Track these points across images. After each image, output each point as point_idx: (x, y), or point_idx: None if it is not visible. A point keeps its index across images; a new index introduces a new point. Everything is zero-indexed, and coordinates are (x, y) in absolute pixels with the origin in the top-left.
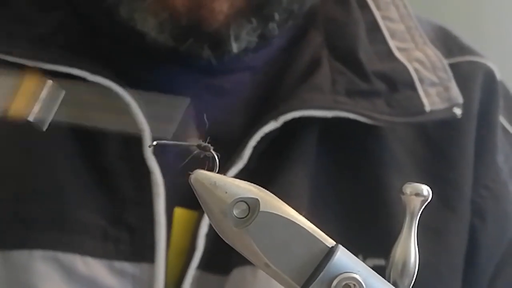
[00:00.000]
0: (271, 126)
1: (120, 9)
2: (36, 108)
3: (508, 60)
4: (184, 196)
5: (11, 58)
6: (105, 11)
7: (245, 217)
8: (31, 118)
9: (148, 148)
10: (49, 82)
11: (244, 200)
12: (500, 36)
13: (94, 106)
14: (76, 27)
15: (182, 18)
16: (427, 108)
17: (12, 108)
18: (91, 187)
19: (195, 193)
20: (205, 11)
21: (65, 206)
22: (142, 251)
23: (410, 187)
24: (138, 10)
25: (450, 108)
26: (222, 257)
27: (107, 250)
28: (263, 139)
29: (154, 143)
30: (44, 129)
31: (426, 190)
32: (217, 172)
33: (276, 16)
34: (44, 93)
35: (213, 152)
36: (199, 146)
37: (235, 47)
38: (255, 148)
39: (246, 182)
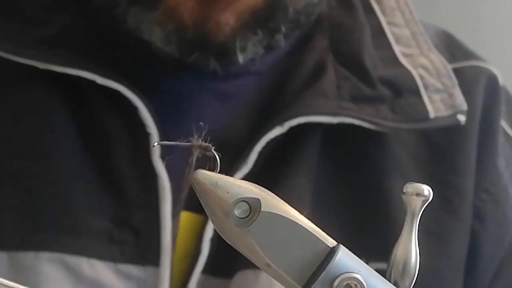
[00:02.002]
0: (276, 131)
1: (127, 19)
2: None
3: (508, 62)
4: (190, 200)
5: (22, 60)
6: (113, 20)
7: (247, 217)
8: None
9: (155, 152)
10: None
11: (245, 200)
12: (500, 38)
13: None
14: (85, 30)
15: (188, 30)
16: (431, 114)
17: None
18: (98, 190)
19: (197, 193)
20: (212, 24)
21: (72, 208)
22: (148, 254)
23: (411, 187)
24: (145, 20)
25: (454, 115)
26: (226, 261)
27: (113, 253)
28: (268, 144)
29: (156, 143)
30: None
31: (427, 190)
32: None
33: (283, 28)
34: None
35: (214, 152)
36: (200, 146)
37: (241, 58)
38: (260, 153)
39: (247, 182)
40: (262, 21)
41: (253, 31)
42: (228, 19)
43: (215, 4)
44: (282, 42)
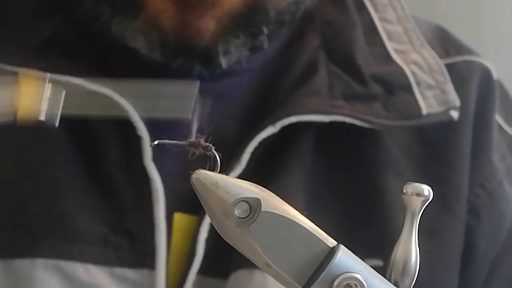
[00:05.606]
0: (269, 131)
1: (112, 27)
2: (44, 106)
3: (508, 60)
4: (183, 201)
5: (9, 67)
6: (98, 28)
7: (247, 217)
8: (42, 117)
9: (147, 155)
10: (49, 83)
11: (245, 200)
12: (500, 36)
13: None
14: (72, 35)
15: (170, 38)
16: (424, 111)
17: (20, 111)
18: (91, 195)
19: (197, 193)
20: (192, 30)
21: (66, 214)
22: (143, 258)
23: (411, 187)
24: (129, 29)
25: (447, 111)
26: (221, 262)
27: (108, 257)
28: (260, 144)
29: (156, 142)
30: (56, 124)
31: (427, 190)
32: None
33: (265, 30)
34: (47, 92)
35: (215, 152)
36: (200, 146)
37: (224, 62)
38: (252, 153)
39: (247, 182)
40: (242, 24)
41: (234, 34)
42: (208, 24)
43: (194, 11)
44: (265, 43)
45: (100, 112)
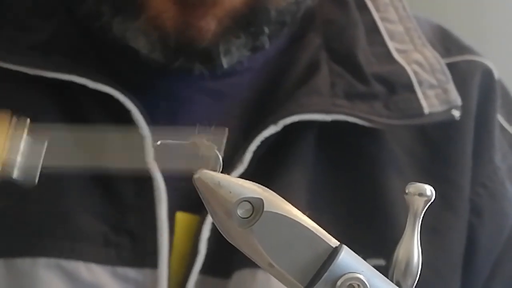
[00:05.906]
0: (271, 130)
1: (112, 27)
2: (18, 160)
3: (509, 60)
4: (185, 200)
5: (12, 66)
6: (99, 28)
7: (249, 217)
8: (16, 175)
9: (149, 153)
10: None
11: (248, 200)
12: (501, 36)
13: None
14: (74, 35)
15: (171, 38)
16: (426, 110)
17: None
18: (93, 194)
19: (199, 193)
20: (193, 30)
21: (67, 213)
22: (145, 257)
23: (413, 187)
24: (130, 29)
25: (448, 110)
26: (223, 261)
27: (109, 256)
28: (262, 143)
29: (159, 142)
30: (36, 182)
31: (429, 190)
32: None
33: (266, 30)
34: (23, 142)
35: (217, 152)
36: (203, 145)
37: (225, 62)
38: (254, 152)
39: (250, 182)
40: (243, 25)
41: (235, 34)
42: (209, 24)
43: (195, 11)
44: (267, 43)
45: (86, 162)
